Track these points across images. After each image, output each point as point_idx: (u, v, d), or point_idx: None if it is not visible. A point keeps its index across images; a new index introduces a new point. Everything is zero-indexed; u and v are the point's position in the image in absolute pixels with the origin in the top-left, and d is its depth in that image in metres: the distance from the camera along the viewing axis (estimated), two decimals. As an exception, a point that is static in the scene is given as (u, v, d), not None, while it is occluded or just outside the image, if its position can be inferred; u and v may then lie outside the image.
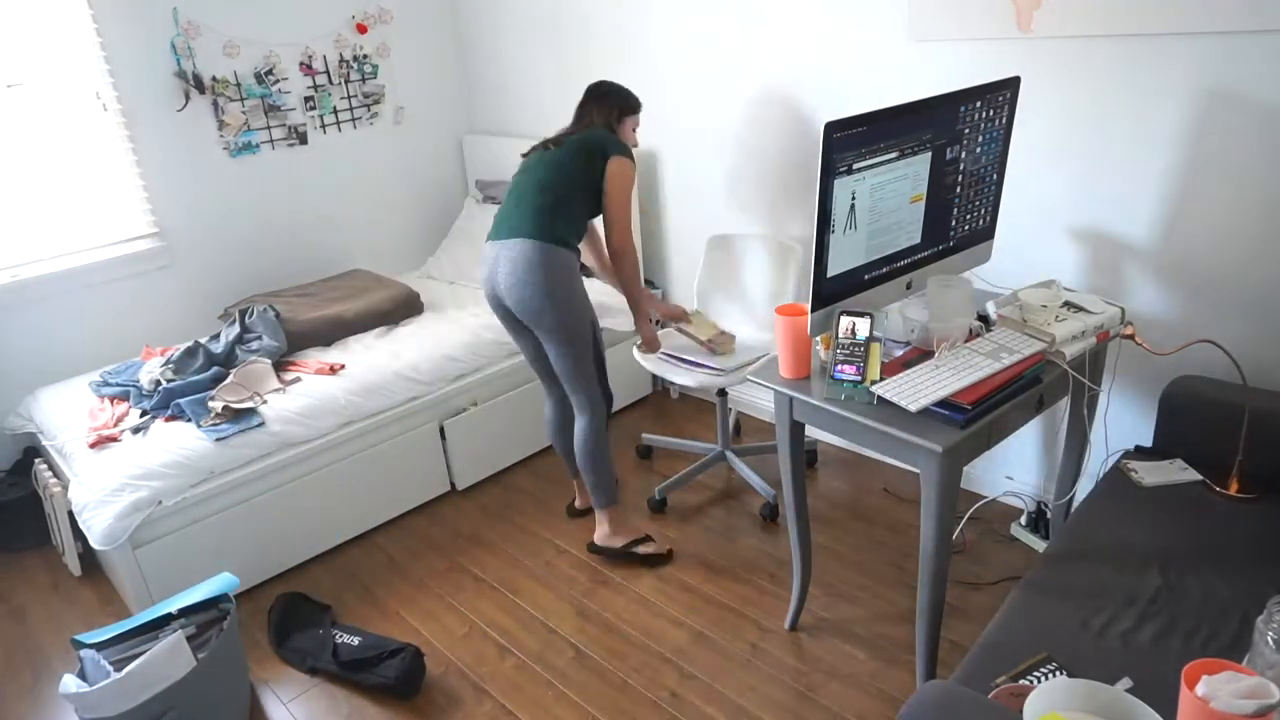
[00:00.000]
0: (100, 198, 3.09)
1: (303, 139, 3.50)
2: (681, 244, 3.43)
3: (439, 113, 3.95)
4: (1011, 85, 1.95)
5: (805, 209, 2.91)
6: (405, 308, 3.21)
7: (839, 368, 1.77)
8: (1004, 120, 1.97)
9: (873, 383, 1.74)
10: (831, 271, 1.77)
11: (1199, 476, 1.92)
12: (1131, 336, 1.95)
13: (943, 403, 1.66)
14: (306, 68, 3.44)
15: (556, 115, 3.63)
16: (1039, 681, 1.41)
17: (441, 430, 2.97)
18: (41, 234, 2.99)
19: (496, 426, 3.10)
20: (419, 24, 3.77)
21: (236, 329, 2.93)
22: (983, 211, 2.07)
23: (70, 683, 1.84)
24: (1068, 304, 1.95)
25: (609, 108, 2.51)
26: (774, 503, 2.77)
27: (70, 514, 2.52)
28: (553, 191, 2.35)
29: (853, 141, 1.66)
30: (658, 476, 3.07)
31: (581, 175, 2.38)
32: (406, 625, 2.43)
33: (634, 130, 2.57)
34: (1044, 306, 1.89)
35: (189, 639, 1.96)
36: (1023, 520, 2.53)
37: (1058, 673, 1.44)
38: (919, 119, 1.78)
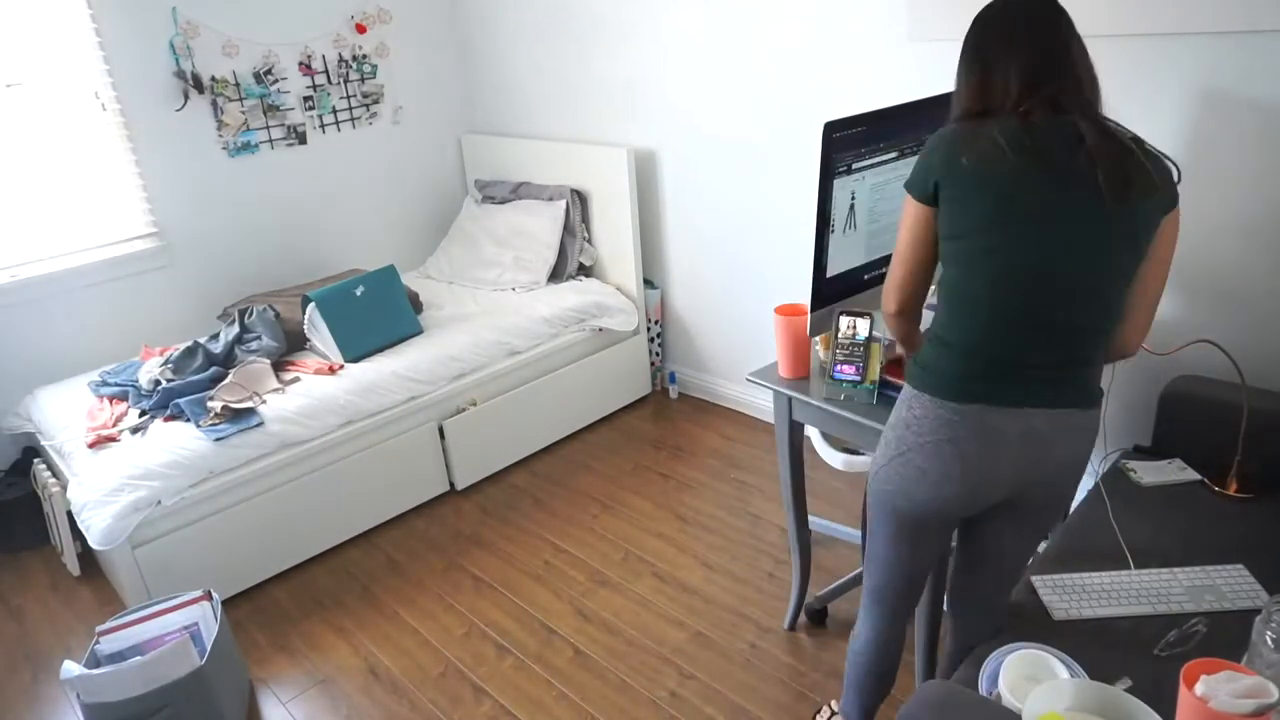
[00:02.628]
0: (99, 197, 3.09)
1: (302, 139, 3.50)
2: (682, 244, 3.43)
3: (438, 113, 3.94)
4: (1011, 85, 1.94)
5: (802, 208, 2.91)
6: (404, 307, 3.21)
7: (839, 368, 1.77)
8: (1003, 120, 1.97)
9: (872, 383, 1.74)
10: (831, 271, 1.77)
11: (1198, 476, 1.92)
12: (1130, 336, 1.95)
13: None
14: (305, 67, 3.43)
15: (557, 115, 3.64)
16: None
17: (441, 430, 2.97)
18: (40, 234, 2.99)
19: (496, 426, 3.10)
20: (418, 24, 3.77)
21: (235, 329, 2.92)
22: (982, 211, 2.06)
23: (72, 667, 1.86)
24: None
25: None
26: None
27: (69, 514, 2.52)
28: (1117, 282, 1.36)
29: (852, 141, 1.66)
30: (820, 574, 2.47)
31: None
32: (405, 625, 2.43)
33: None
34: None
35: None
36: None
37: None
38: (918, 119, 1.78)
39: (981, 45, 1.37)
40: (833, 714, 1.96)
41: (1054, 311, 1.32)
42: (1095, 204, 1.27)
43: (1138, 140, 1.32)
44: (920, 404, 1.41)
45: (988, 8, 1.38)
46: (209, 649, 1.99)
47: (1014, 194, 1.29)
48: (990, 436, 1.37)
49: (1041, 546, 2.39)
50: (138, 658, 1.90)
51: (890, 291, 1.50)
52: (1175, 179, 1.33)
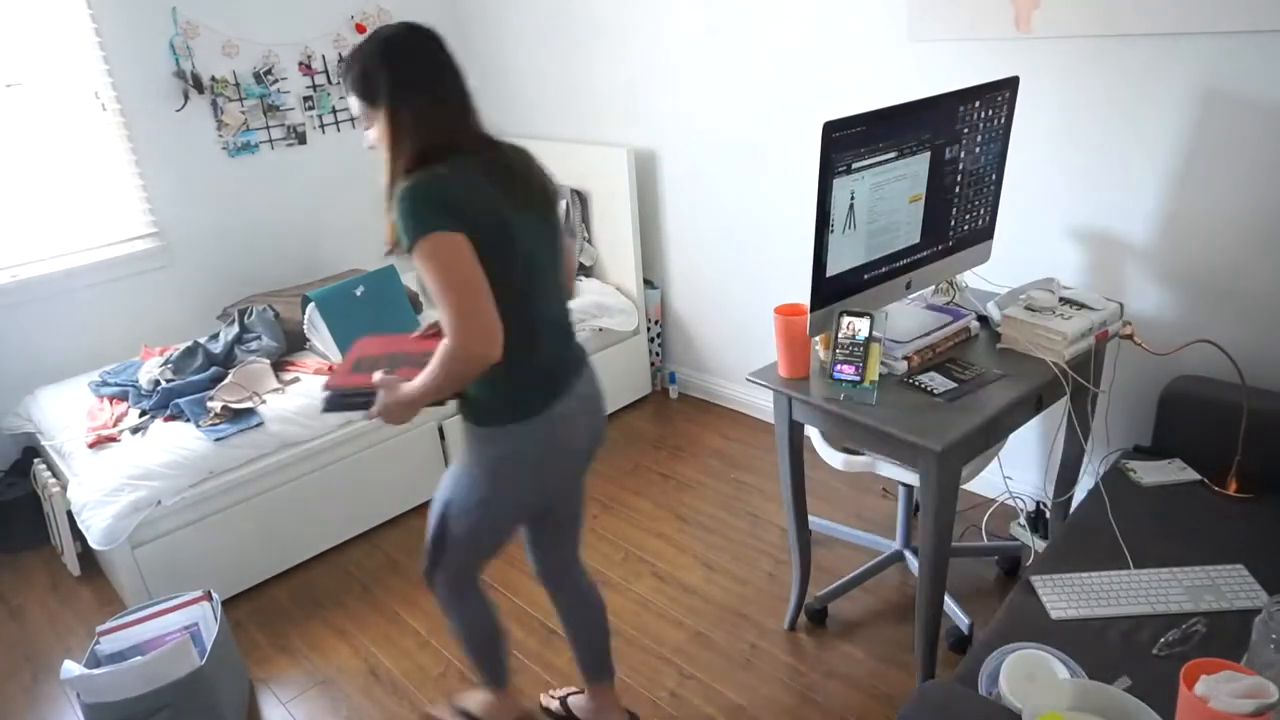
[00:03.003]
0: (99, 198, 3.09)
1: (302, 139, 3.50)
2: (682, 244, 3.43)
3: (438, 112, 3.94)
4: (1010, 85, 1.95)
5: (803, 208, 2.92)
6: (404, 308, 3.21)
7: (838, 368, 1.77)
8: (1003, 120, 1.97)
9: (872, 383, 1.74)
10: (831, 271, 1.77)
11: (1198, 476, 1.92)
12: (1130, 336, 1.96)
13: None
14: (305, 68, 3.43)
15: (557, 115, 3.63)
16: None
17: (441, 430, 2.97)
18: (41, 234, 2.99)
19: (496, 426, 3.10)
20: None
21: (235, 329, 2.92)
22: (982, 211, 2.07)
23: (72, 667, 1.86)
24: (1067, 301, 1.95)
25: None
26: (966, 632, 2.13)
27: (69, 514, 2.52)
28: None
29: (852, 141, 1.66)
30: (820, 574, 2.45)
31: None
32: (406, 625, 2.43)
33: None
34: (1048, 310, 1.89)
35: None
36: (1022, 520, 2.54)
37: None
38: (918, 119, 1.78)
39: (398, 80, 1.43)
40: (565, 696, 2.10)
41: (558, 313, 1.60)
42: (544, 217, 1.52)
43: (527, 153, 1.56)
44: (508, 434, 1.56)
45: (389, 40, 1.43)
46: (209, 649, 1.99)
47: (512, 227, 1.43)
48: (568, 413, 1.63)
49: (1040, 546, 2.40)
50: (138, 658, 1.91)
51: (493, 334, 1.37)
52: None
